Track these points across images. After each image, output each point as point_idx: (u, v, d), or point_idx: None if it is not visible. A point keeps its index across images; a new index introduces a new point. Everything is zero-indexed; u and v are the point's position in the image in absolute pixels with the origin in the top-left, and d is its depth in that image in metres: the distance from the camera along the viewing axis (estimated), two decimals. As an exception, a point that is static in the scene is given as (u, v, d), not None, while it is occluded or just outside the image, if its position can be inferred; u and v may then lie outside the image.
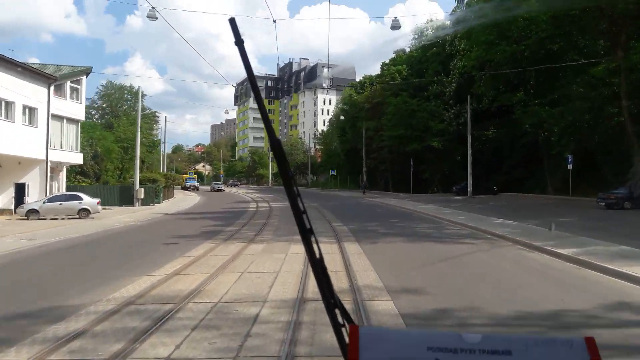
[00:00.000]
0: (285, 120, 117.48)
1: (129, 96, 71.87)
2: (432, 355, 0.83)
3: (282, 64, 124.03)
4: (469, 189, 37.55)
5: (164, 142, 63.93)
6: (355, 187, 60.38)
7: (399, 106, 45.47)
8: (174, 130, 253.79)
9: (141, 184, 35.57)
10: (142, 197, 33.47)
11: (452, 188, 42.32)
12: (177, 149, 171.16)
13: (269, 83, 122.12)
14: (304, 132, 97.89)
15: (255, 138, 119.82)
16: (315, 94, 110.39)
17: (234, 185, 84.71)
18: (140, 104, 39.99)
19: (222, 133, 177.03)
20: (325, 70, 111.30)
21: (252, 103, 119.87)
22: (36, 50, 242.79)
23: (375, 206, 30.68)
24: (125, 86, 70.20)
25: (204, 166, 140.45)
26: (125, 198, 33.66)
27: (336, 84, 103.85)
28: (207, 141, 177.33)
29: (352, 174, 62.34)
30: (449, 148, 44.92)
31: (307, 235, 1.03)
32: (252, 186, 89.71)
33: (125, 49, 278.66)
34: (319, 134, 77.54)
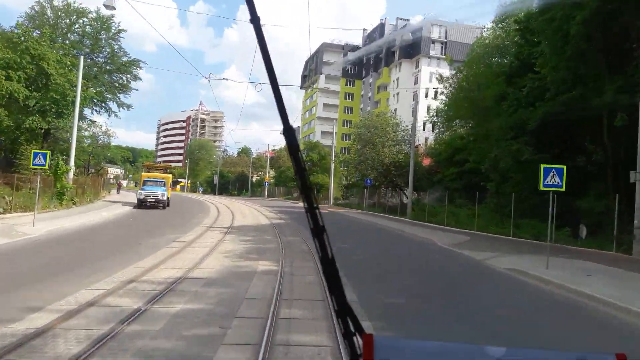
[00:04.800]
0: (368, 108, 79.54)
1: (89, 28, 39.86)
2: None
3: (369, 29, 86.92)
4: None
5: (78, 103, 29.31)
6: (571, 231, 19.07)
7: None
8: (263, 138, 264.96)
9: None
10: None
11: None
12: (243, 152, 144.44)
13: (350, 56, 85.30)
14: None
15: (323, 133, 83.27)
16: (417, 66, 71.59)
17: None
18: None
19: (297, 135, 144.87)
20: (437, 30, 72.17)
21: (321, 82, 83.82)
22: (140, 57, 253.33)
23: None
24: (88, 10, 38.35)
25: (269, 172, 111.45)
26: None
27: (452, 51, 64.32)
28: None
29: (529, 193, 21.20)
30: None
31: (320, 234, 0.95)
32: (299, 204, 48.58)
33: (222, 60, 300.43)
34: (435, 107, 36.54)
